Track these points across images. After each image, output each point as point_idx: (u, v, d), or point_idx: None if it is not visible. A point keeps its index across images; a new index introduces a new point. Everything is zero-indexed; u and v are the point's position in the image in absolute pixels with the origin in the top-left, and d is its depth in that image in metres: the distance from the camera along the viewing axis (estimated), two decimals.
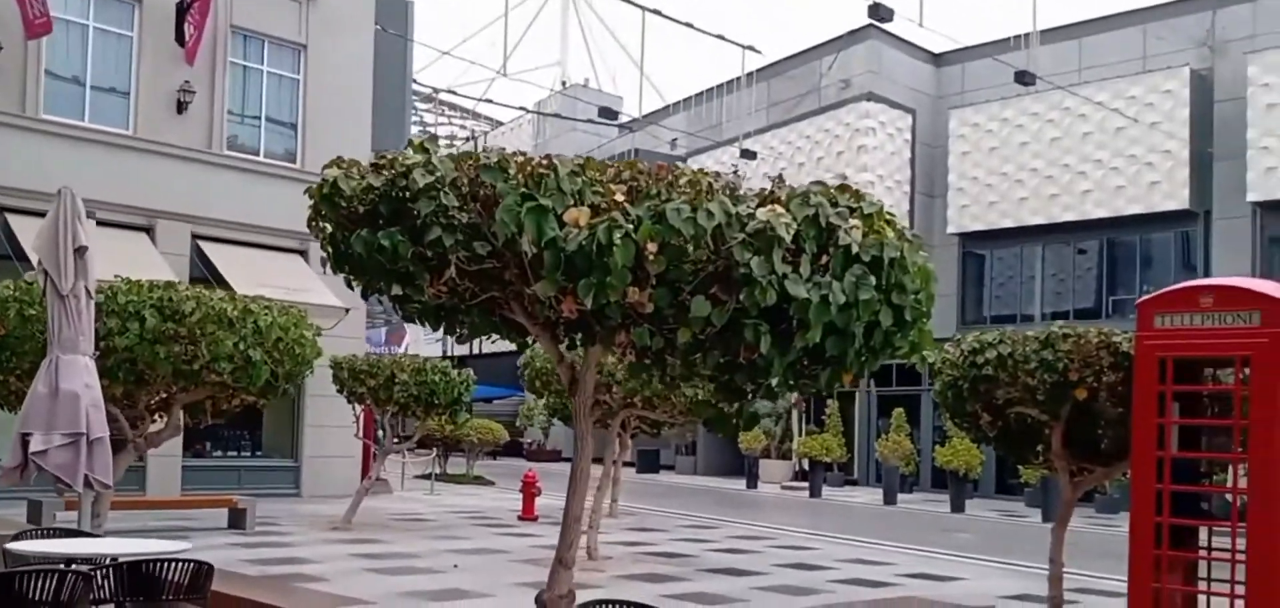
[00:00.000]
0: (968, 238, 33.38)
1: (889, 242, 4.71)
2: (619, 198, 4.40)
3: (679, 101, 40.80)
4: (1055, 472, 9.23)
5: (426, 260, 4.53)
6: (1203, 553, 7.81)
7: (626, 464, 38.89)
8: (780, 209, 4.43)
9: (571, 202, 4.44)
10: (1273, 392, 7.04)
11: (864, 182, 32.68)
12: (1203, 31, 28.99)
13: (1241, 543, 7.23)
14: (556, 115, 40.09)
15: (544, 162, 4.47)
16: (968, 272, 33.76)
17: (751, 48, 29.85)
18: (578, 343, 5.05)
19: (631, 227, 4.29)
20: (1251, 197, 27.06)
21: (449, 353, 47.54)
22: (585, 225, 4.28)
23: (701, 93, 39.24)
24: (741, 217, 4.44)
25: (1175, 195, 28.47)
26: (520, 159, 4.47)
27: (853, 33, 34.70)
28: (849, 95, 34.00)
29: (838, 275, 4.55)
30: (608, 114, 34.08)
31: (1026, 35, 28.97)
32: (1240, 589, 7.15)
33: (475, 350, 39.02)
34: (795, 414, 33.57)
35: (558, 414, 18.12)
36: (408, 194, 4.47)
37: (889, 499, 27.29)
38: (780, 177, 4.86)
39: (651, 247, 4.29)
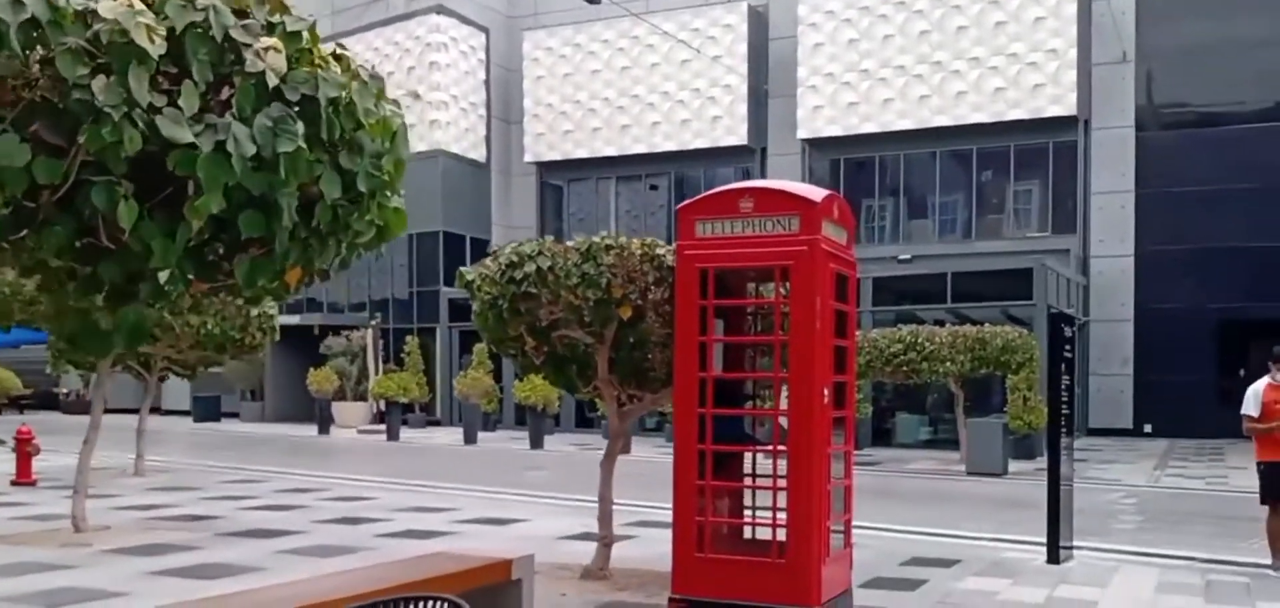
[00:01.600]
0: (545, 167, 33.10)
1: (330, 77, 3.35)
2: None
3: None
4: (604, 400, 8.45)
5: None
6: (748, 481, 7.30)
7: (176, 412, 35.33)
8: (141, 6, 2.92)
9: None
10: (811, 305, 6.52)
11: (437, 100, 31.37)
12: None
13: (784, 467, 6.74)
14: None
15: None
16: (546, 203, 33.55)
17: None
18: None
19: None
20: (801, 133, 28.75)
21: None
22: None
23: None
24: (81, 13, 2.88)
25: (735, 130, 29.68)
26: None
27: None
28: (418, 7, 32.34)
29: (245, 117, 3.12)
30: None
31: None
32: (783, 516, 6.64)
33: None
34: (372, 352, 31.77)
35: (67, 358, 15.36)
36: None
37: (469, 439, 26.38)
38: None
39: None
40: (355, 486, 16.06)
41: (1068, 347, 9.70)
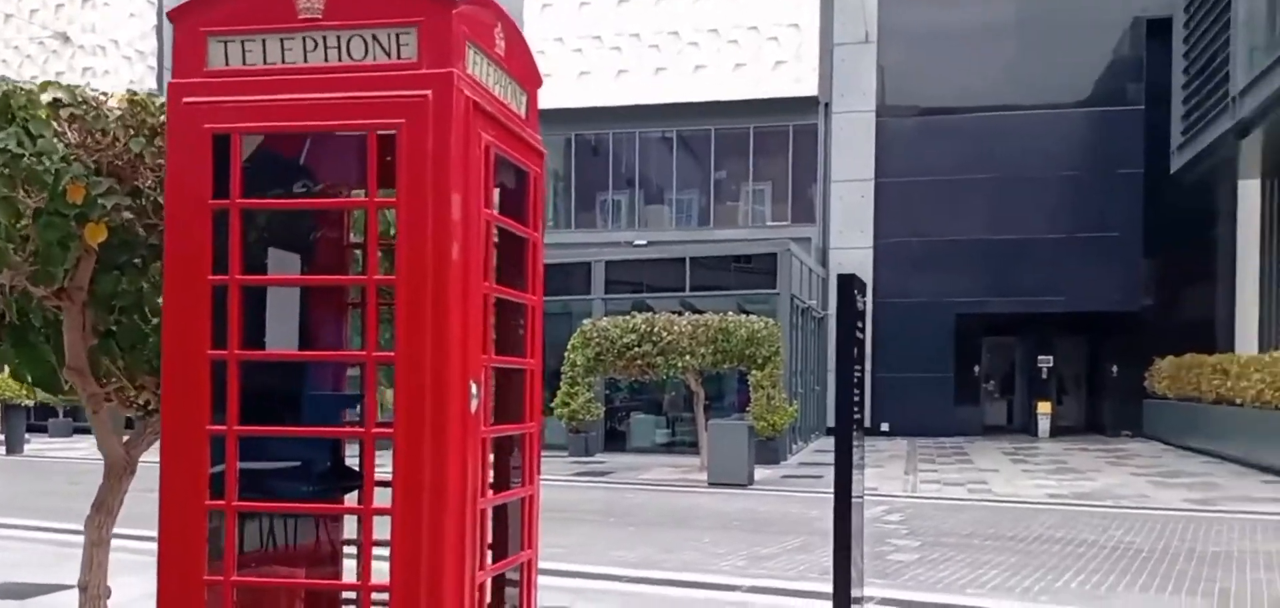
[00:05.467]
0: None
1: None
2: None
3: None
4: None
5: None
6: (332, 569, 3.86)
7: None
8: None
9: None
10: (441, 216, 3.15)
11: (93, 45, 26.11)
12: None
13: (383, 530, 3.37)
14: None
15: None
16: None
17: None
18: None
19: None
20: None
21: None
22: None
23: None
24: None
25: None
26: None
27: None
28: None
29: None
30: None
31: None
32: None
33: None
34: None
35: None
36: None
37: (12, 448, 21.50)
38: None
39: None
40: None
41: (859, 325, 6.81)
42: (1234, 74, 19.67)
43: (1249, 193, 24.08)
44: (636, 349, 17.01)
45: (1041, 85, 26.47)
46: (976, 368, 29.32)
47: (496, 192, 3.75)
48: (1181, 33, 23.46)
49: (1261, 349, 21.66)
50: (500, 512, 3.87)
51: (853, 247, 26.73)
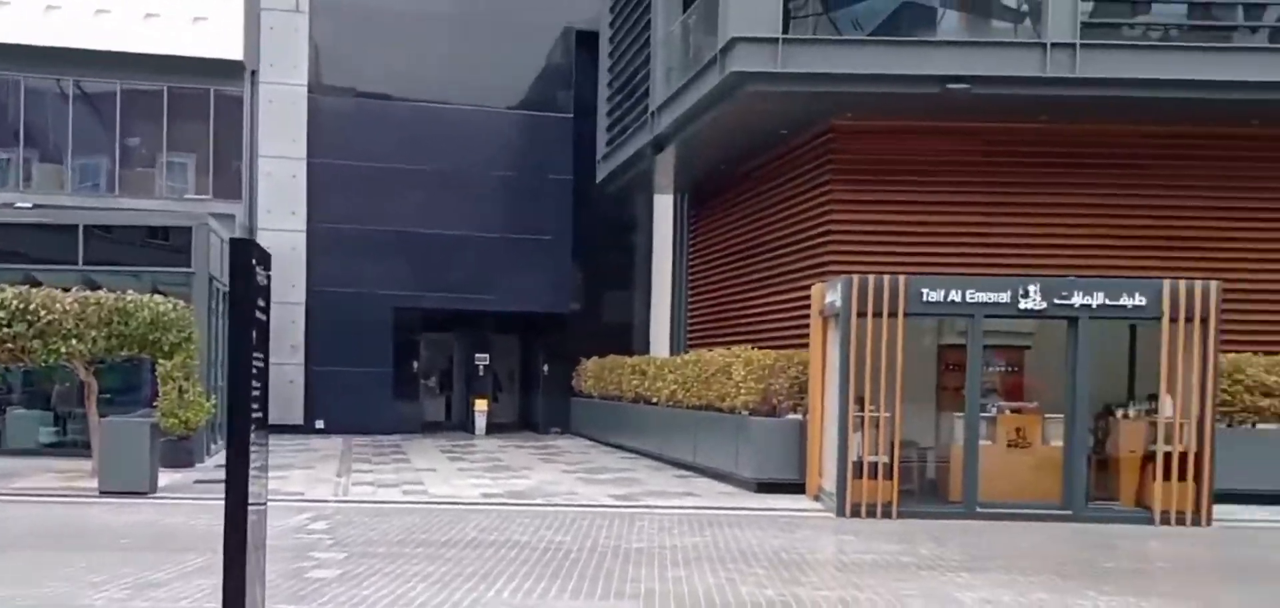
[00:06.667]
0: None
1: None
2: None
3: None
4: None
5: None
6: None
7: None
8: None
9: None
10: None
11: None
12: None
13: None
14: None
15: None
16: None
17: None
18: None
19: None
20: None
21: None
22: None
23: None
24: None
25: None
26: None
27: None
28: None
29: None
30: None
31: None
32: None
33: None
34: None
35: None
36: None
37: None
38: None
39: None
40: None
41: (262, 304, 5.46)
42: (653, 91, 20.83)
43: (663, 205, 26.03)
44: (5, 329, 13.92)
45: (478, 83, 26.42)
46: (416, 363, 28.74)
47: None
48: (608, 47, 24.60)
49: (673, 352, 23.37)
50: None
51: (283, 229, 24.81)
